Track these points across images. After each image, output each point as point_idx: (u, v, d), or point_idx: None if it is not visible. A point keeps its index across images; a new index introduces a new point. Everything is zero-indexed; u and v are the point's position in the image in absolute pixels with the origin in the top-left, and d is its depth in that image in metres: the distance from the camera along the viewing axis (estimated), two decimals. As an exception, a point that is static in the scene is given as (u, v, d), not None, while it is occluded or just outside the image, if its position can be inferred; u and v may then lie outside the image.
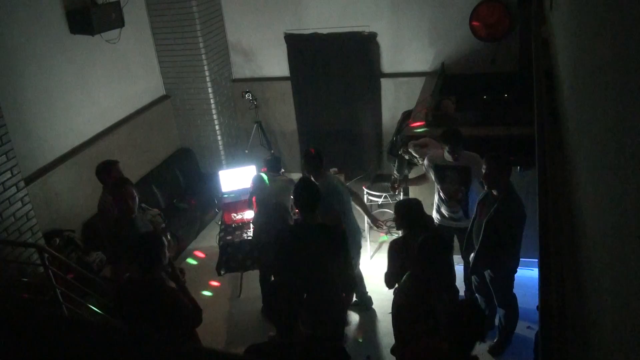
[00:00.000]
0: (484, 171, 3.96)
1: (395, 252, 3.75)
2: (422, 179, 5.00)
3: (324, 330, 3.64)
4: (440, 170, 4.56)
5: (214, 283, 5.75)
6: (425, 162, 4.70)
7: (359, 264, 4.97)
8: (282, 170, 5.53)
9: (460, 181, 4.49)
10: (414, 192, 5.36)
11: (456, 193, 4.54)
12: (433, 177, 4.65)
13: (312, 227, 3.70)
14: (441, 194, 4.63)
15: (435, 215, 4.78)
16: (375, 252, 6.11)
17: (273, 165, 5.09)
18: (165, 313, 3.20)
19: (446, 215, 4.68)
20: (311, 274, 3.58)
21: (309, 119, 7.52)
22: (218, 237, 5.45)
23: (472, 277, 4.48)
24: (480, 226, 4.03)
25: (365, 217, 6.04)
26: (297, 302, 2.73)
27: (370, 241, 6.13)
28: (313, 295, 3.44)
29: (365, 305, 5.17)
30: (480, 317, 2.71)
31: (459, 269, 5.06)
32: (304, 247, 3.63)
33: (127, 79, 6.61)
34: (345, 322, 4.36)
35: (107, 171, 4.54)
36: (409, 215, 3.77)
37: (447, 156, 4.46)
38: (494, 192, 3.98)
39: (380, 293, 5.36)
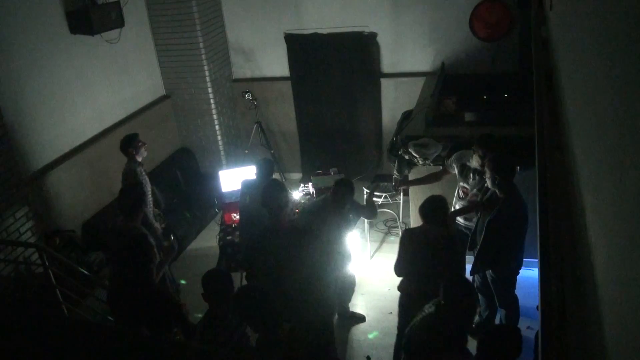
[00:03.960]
0: (487, 173, 3.96)
1: (407, 240, 3.93)
2: (427, 179, 4.92)
3: (311, 326, 3.69)
4: (465, 170, 4.54)
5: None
6: (453, 157, 4.65)
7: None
8: (277, 174, 5.49)
9: (479, 187, 4.48)
10: (414, 191, 5.36)
11: (473, 196, 4.52)
12: (457, 174, 4.61)
13: (282, 228, 3.85)
14: (460, 192, 4.64)
15: None
16: (375, 252, 6.11)
17: (264, 171, 4.87)
18: (163, 314, 3.22)
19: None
20: (284, 274, 3.66)
21: (309, 119, 7.52)
22: (218, 237, 5.45)
23: (474, 276, 4.48)
24: (483, 226, 4.04)
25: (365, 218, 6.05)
26: (269, 305, 2.77)
27: (370, 241, 6.13)
28: (292, 293, 3.54)
29: (353, 317, 5.07)
30: (518, 340, 2.74)
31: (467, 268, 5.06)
32: (274, 248, 3.73)
33: (127, 79, 6.61)
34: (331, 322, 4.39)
35: (130, 142, 4.99)
36: (424, 209, 3.93)
37: (477, 160, 4.42)
38: (497, 193, 3.99)
39: (380, 294, 5.37)
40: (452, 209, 4.77)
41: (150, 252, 3.66)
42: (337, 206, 4.38)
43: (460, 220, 4.71)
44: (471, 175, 4.50)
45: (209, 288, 3.12)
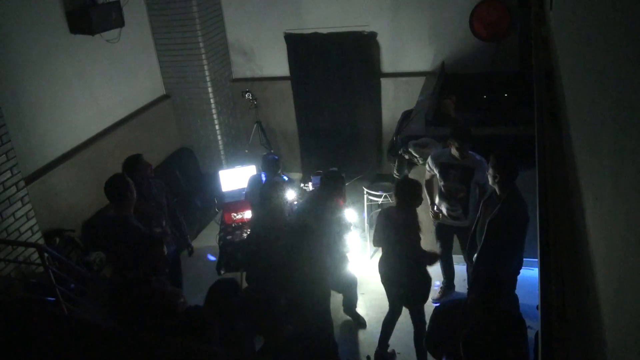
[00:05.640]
0: (490, 174, 3.97)
1: (381, 218, 4.20)
2: (429, 191, 4.93)
3: (310, 327, 3.68)
4: (445, 168, 4.59)
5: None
6: (429, 160, 4.71)
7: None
8: (280, 170, 5.51)
9: (461, 180, 4.52)
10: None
11: (457, 192, 4.56)
12: (437, 175, 4.67)
13: (280, 227, 3.81)
14: (443, 192, 4.65)
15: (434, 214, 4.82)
16: (375, 252, 6.11)
17: (271, 167, 5.05)
18: (163, 315, 3.21)
19: (445, 214, 4.70)
20: (283, 273, 3.67)
21: (309, 119, 7.52)
22: (218, 237, 5.45)
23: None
24: (484, 226, 4.05)
25: (365, 217, 6.06)
26: (269, 308, 2.74)
27: (370, 241, 6.12)
28: (292, 294, 3.55)
29: (357, 320, 5.10)
30: (498, 341, 2.72)
31: (461, 268, 5.10)
32: (273, 248, 3.73)
33: (127, 79, 6.61)
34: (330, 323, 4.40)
35: (131, 166, 4.42)
36: (402, 192, 4.09)
37: (455, 153, 4.49)
38: (498, 193, 3.99)
39: (379, 293, 5.36)
40: (435, 208, 4.80)
41: (141, 240, 3.62)
42: (327, 199, 4.41)
43: (446, 216, 4.72)
44: (452, 171, 4.54)
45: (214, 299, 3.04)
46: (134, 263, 3.41)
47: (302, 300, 3.66)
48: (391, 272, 4.24)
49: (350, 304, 5.06)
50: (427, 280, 4.23)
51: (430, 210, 4.83)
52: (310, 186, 5.83)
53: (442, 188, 4.65)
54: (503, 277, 3.31)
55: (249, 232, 5.18)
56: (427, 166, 4.76)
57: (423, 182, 4.84)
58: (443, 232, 4.84)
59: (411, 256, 4.13)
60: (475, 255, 4.22)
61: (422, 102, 5.89)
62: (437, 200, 4.79)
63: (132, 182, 4.04)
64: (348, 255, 4.84)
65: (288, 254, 3.74)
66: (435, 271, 4.89)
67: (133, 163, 4.44)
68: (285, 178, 5.75)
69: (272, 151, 7.13)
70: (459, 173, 4.52)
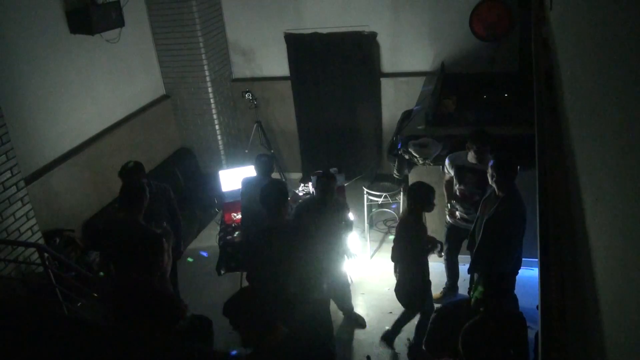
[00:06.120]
0: (489, 173, 3.96)
1: (404, 228, 4.16)
2: (448, 192, 4.94)
3: (308, 330, 3.66)
4: (460, 172, 4.55)
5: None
6: (446, 161, 4.68)
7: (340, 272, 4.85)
8: (276, 173, 5.48)
9: (477, 184, 4.47)
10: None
11: (472, 195, 4.52)
12: (453, 177, 4.65)
13: (281, 227, 3.80)
14: (458, 195, 4.64)
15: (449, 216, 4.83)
16: (375, 252, 6.11)
17: (265, 168, 4.94)
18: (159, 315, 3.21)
19: (459, 217, 4.68)
20: (283, 274, 3.66)
21: (309, 119, 7.52)
22: (218, 237, 5.45)
23: (473, 275, 4.49)
24: (482, 225, 4.05)
25: (365, 217, 6.06)
26: (264, 309, 2.69)
27: (370, 241, 6.13)
28: (289, 295, 3.54)
29: (356, 321, 5.08)
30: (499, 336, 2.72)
31: (461, 268, 5.10)
32: (273, 248, 3.72)
33: (127, 79, 6.61)
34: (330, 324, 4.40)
35: (128, 174, 4.47)
36: (414, 195, 4.09)
37: (472, 157, 4.45)
38: (497, 192, 4.00)
39: (379, 293, 5.37)
40: (448, 209, 4.80)
41: (156, 248, 3.66)
42: (320, 200, 4.41)
43: (459, 218, 4.72)
44: (468, 174, 4.52)
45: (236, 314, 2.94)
46: (142, 264, 3.42)
47: (300, 302, 3.66)
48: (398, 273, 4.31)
49: (345, 307, 5.03)
50: (425, 285, 4.26)
51: (447, 209, 4.82)
52: (310, 186, 5.83)
53: (457, 191, 4.62)
54: (504, 276, 3.33)
55: (244, 233, 5.17)
56: (445, 168, 4.73)
57: (443, 183, 4.87)
58: (454, 233, 4.82)
59: (412, 260, 4.14)
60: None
61: (422, 102, 5.89)
62: (452, 201, 4.77)
63: (146, 188, 4.08)
64: (345, 256, 4.82)
65: (285, 255, 3.73)
66: (437, 273, 4.90)
67: (136, 167, 4.52)
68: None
69: (272, 151, 7.13)
70: (474, 177, 4.46)
